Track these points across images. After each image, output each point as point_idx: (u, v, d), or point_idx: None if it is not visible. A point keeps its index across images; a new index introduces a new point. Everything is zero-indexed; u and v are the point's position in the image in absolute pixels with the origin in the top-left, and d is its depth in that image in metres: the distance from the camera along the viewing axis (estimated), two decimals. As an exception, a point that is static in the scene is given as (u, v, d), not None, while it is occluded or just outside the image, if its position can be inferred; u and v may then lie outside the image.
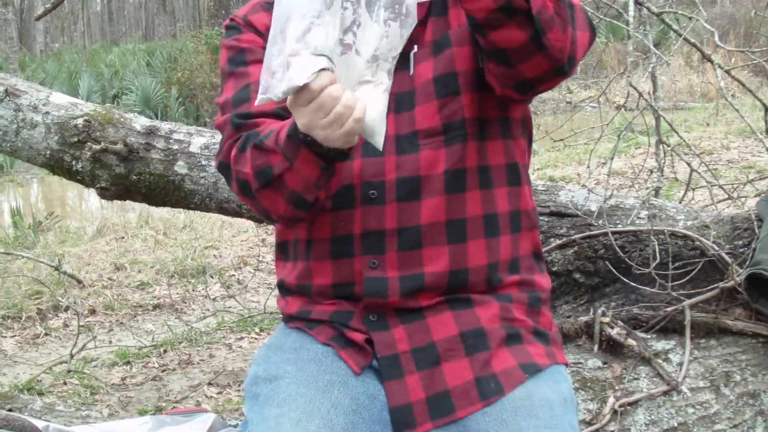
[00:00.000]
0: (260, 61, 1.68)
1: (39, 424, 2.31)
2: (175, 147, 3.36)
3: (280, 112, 1.68)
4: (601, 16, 3.42)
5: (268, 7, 1.77)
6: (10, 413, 2.40)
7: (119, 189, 3.42)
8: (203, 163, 3.30)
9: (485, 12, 1.43)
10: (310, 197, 1.62)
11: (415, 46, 1.70)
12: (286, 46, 1.38)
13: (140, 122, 3.47)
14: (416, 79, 1.70)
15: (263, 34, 1.75)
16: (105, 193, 3.44)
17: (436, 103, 1.67)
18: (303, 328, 1.77)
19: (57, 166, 3.51)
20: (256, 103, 1.42)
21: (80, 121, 3.42)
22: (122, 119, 3.46)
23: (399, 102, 1.68)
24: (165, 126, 3.47)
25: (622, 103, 3.42)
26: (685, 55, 14.98)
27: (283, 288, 1.84)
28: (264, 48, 1.68)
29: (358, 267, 1.69)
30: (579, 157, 9.46)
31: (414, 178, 1.65)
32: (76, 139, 3.42)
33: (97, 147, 3.36)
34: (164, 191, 3.39)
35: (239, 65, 1.77)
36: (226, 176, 1.73)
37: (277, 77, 1.38)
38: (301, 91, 1.39)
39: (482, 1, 1.41)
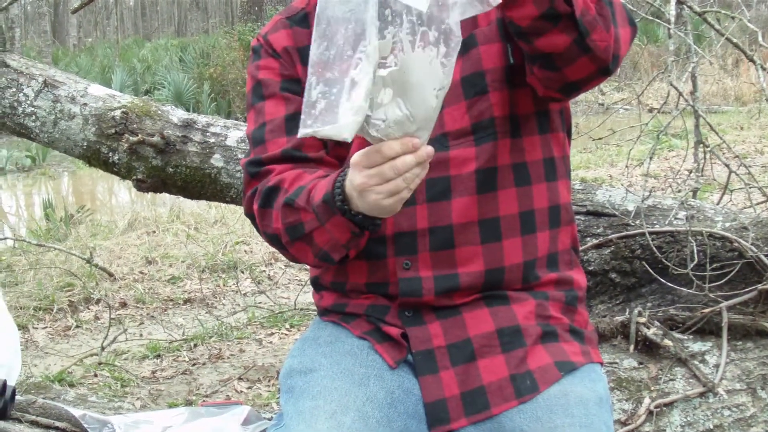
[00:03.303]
0: (274, 96, 1.74)
1: (75, 412, 2.32)
2: (212, 140, 3.37)
3: (290, 154, 1.69)
4: (642, 14, 3.40)
5: (289, 23, 1.79)
6: (47, 401, 2.42)
7: (155, 181, 3.43)
8: (239, 156, 3.30)
9: (529, 20, 1.42)
10: (336, 256, 1.63)
11: None
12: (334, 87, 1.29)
13: (177, 115, 3.48)
14: None
15: (281, 55, 1.76)
16: (141, 185, 3.45)
17: (464, 104, 1.66)
18: (338, 321, 1.77)
19: (93, 157, 3.53)
20: (298, 136, 1.32)
21: (118, 112, 3.44)
22: (159, 112, 3.48)
23: None
24: (202, 119, 3.47)
25: (658, 105, 3.40)
26: (719, 58, 14.87)
27: (317, 284, 1.84)
28: (281, 74, 1.74)
29: (392, 267, 1.69)
30: (611, 159, 9.43)
31: (444, 178, 1.65)
32: (113, 131, 3.44)
33: (134, 139, 3.38)
34: (200, 184, 3.40)
35: (258, 99, 1.78)
36: (253, 223, 1.76)
37: (316, 110, 1.29)
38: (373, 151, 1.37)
39: (525, 9, 1.41)
